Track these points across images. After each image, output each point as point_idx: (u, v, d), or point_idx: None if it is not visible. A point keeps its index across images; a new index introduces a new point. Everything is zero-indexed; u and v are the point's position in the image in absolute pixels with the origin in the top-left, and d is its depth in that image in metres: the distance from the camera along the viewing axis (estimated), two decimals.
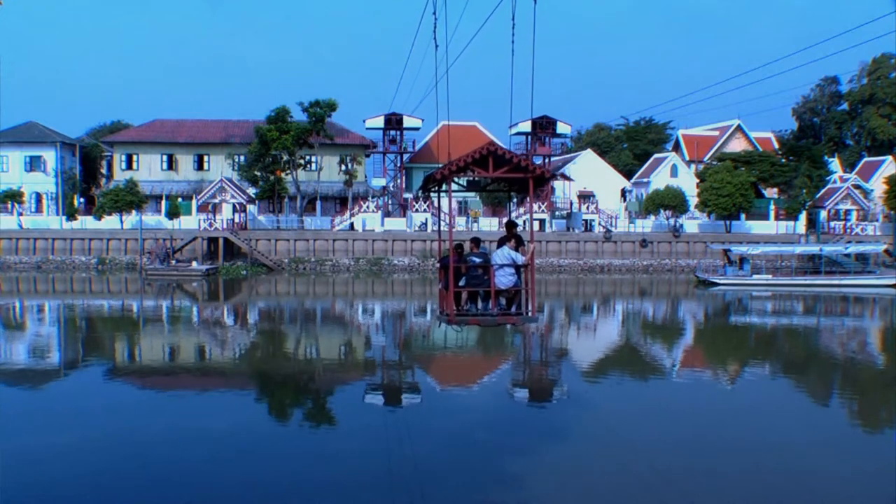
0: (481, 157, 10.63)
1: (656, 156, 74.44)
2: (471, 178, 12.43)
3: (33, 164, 63.08)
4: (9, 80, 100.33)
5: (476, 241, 11.57)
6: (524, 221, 57.47)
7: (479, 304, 11.19)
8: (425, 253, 55.46)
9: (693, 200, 60.67)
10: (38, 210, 62.32)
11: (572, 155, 75.38)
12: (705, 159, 73.72)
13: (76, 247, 54.50)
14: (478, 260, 11.15)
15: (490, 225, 62.21)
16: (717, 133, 79.18)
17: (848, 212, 61.68)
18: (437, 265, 12.89)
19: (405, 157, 67.70)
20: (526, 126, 65.34)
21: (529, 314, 11.13)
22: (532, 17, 10.49)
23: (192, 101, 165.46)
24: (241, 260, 53.20)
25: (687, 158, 74.93)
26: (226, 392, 17.54)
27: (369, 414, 15.86)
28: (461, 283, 11.08)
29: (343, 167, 61.57)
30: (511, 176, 10.94)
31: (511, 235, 11.48)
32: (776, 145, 77.59)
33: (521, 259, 10.98)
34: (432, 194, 14.23)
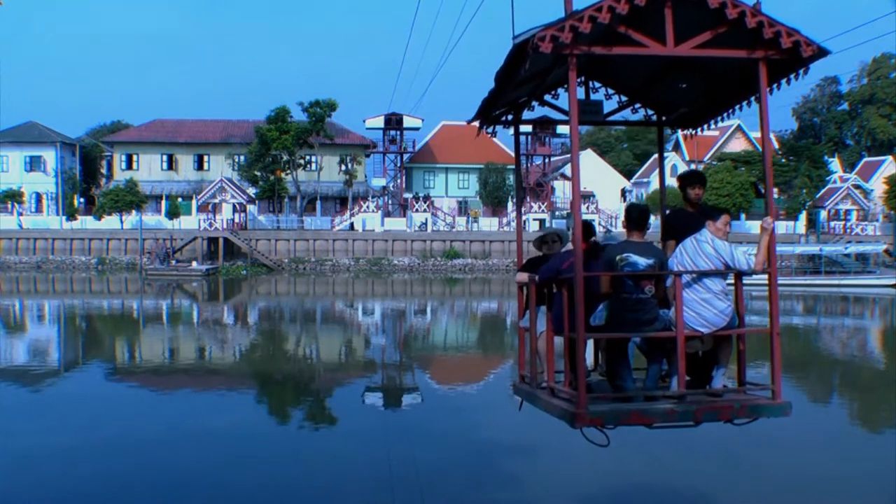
0: (649, 3, 4.82)
1: (656, 156, 74.50)
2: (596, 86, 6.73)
3: (33, 164, 63.10)
4: (9, 80, 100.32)
5: (639, 221, 5.57)
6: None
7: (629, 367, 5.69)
8: (425, 253, 55.46)
9: None
10: (38, 210, 62.35)
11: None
12: (705, 159, 73.70)
13: (76, 247, 54.51)
14: (644, 263, 5.36)
15: (490, 225, 62.21)
16: (717, 133, 79.13)
17: (848, 212, 61.71)
18: (518, 278, 6.39)
19: (405, 157, 67.70)
20: (526, 126, 65.35)
21: (770, 396, 5.36)
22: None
23: (192, 101, 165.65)
24: (241, 260, 53.21)
25: (687, 158, 74.91)
26: (226, 392, 17.52)
27: (369, 414, 15.85)
28: (595, 318, 5.44)
29: (343, 167, 61.59)
30: (719, 54, 5.15)
31: (696, 206, 6.04)
32: (776, 145, 77.56)
33: (742, 260, 5.34)
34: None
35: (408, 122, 64.71)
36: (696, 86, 6.33)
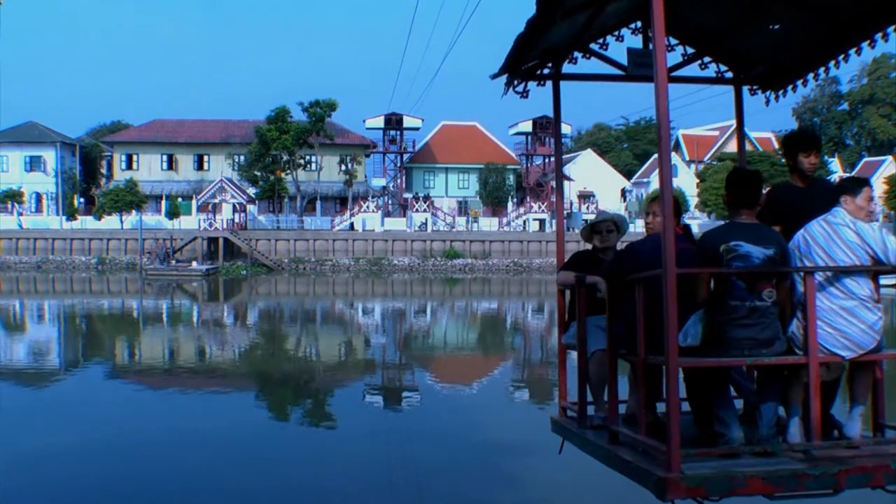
0: None
1: (656, 156, 74.47)
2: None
3: (33, 164, 63.11)
4: (9, 80, 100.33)
5: (750, 193, 4.11)
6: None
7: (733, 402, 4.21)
8: (425, 253, 55.44)
9: (693, 200, 60.76)
10: (38, 210, 62.37)
11: (572, 155, 75.39)
12: (705, 159, 73.78)
13: (76, 247, 54.51)
14: (761, 255, 3.88)
15: (490, 225, 62.22)
16: (717, 133, 79.24)
17: None
18: (560, 278, 5.29)
19: (405, 157, 67.72)
20: (526, 126, 65.44)
21: None
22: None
23: (192, 101, 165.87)
24: (241, 260, 53.22)
25: (687, 158, 74.97)
26: (225, 392, 17.52)
27: (369, 414, 15.84)
28: (685, 336, 3.79)
29: (343, 167, 61.61)
30: None
31: (807, 179, 4.72)
32: (776, 145, 77.66)
33: None
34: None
35: (408, 122, 64.74)
36: (794, 27, 4.89)
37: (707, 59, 5.57)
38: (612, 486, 11.56)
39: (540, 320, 32.37)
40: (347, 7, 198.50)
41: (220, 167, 63.31)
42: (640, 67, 5.04)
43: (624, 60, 5.20)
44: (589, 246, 5.41)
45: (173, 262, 50.67)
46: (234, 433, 13.70)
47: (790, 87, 5.63)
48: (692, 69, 5.65)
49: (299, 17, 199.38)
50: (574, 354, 5.02)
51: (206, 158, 64.85)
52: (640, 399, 4.07)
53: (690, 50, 5.49)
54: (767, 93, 5.75)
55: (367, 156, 67.04)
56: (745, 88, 5.80)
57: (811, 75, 5.36)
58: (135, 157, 64.37)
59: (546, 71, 5.28)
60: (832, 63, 5.11)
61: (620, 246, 5.23)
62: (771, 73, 5.54)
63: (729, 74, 5.69)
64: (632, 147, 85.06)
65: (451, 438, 13.81)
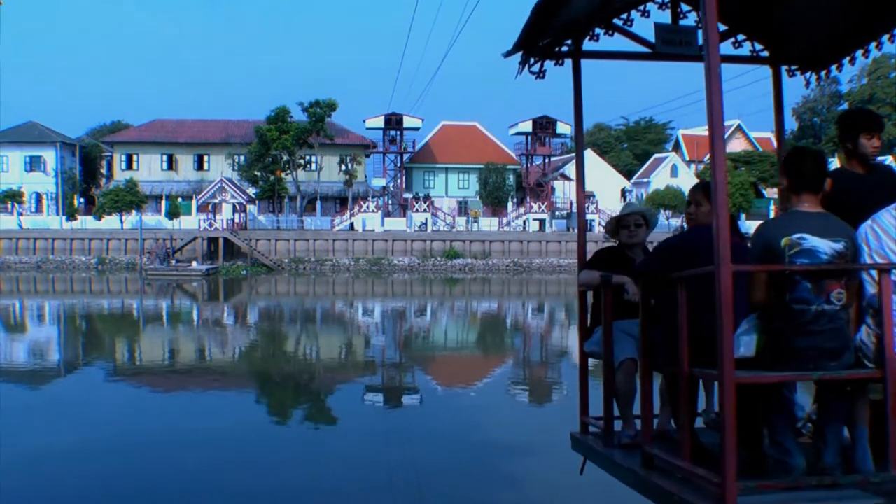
0: None
1: (656, 156, 74.52)
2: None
3: (33, 164, 63.12)
4: (9, 80, 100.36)
5: (815, 176, 3.62)
6: None
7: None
8: (425, 253, 55.45)
9: None
10: (38, 210, 62.38)
11: (572, 155, 75.41)
12: (705, 159, 73.77)
13: (76, 247, 54.52)
14: (829, 250, 3.33)
15: (490, 225, 62.25)
16: None
17: None
18: (582, 278, 4.71)
19: (405, 157, 67.73)
20: (526, 126, 65.47)
21: None
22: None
23: (192, 101, 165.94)
24: (241, 260, 53.24)
25: (687, 158, 74.99)
26: (225, 392, 17.52)
27: (369, 414, 15.84)
28: (738, 345, 3.25)
29: (343, 167, 61.64)
30: None
31: (867, 164, 4.29)
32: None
33: None
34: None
35: (408, 122, 64.75)
36: None
37: (741, 36, 5.09)
38: (611, 488, 11.53)
39: (540, 320, 32.38)
40: (347, 7, 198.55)
41: (220, 167, 63.32)
42: (669, 45, 4.67)
43: (650, 37, 4.80)
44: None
45: (173, 262, 50.68)
46: (234, 433, 13.70)
47: (834, 66, 5.19)
48: (724, 48, 5.02)
49: (299, 17, 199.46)
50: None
51: (206, 158, 64.86)
52: (683, 419, 3.56)
53: (723, 27, 4.94)
54: (808, 73, 5.34)
55: (367, 156, 67.06)
56: (784, 69, 5.33)
57: (860, 52, 4.87)
58: (135, 157, 64.38)
59: (565, 49, 4.79)
60: (885, 37, 4.61)
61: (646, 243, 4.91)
62: (814, 50, 5.05)
63: (765, 53, 5.24)
64: (632, 147, 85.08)
65: (451, 438, 13.81)
